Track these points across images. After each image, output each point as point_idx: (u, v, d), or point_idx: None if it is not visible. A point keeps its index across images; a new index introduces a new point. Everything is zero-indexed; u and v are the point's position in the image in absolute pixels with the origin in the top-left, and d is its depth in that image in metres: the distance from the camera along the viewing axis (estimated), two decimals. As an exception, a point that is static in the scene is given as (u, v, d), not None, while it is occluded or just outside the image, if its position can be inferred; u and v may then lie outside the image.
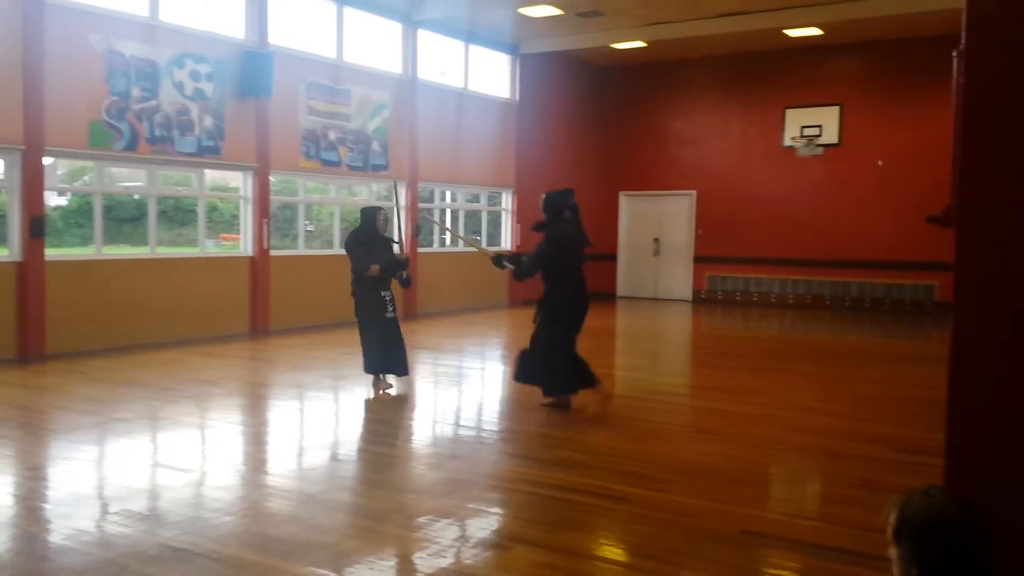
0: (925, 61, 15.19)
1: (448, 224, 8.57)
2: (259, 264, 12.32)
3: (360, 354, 8.15)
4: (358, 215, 8.31)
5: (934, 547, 2.04)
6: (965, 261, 2.38)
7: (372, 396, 7.93)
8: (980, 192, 2.35)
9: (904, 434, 6.62)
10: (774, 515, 4.85)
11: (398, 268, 8.06)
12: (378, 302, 7.89)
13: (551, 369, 7.30)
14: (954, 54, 2.55)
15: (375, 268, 7.82)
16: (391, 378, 8.15)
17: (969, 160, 2.36)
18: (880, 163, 16.42)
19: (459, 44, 16.04)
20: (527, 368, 7.46)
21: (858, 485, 5.34)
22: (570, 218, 7.36)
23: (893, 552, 2.13)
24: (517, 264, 7.59)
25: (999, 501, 2.22)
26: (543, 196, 7.60)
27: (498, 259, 7.84)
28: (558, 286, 7.34)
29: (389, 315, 7.94)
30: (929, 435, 6.06)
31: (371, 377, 8.07)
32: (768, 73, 17.40)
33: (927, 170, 15.20)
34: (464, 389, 8.77)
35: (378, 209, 8.15)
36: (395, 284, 8.17)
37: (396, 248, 8.23)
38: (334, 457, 6.06)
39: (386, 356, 7.93)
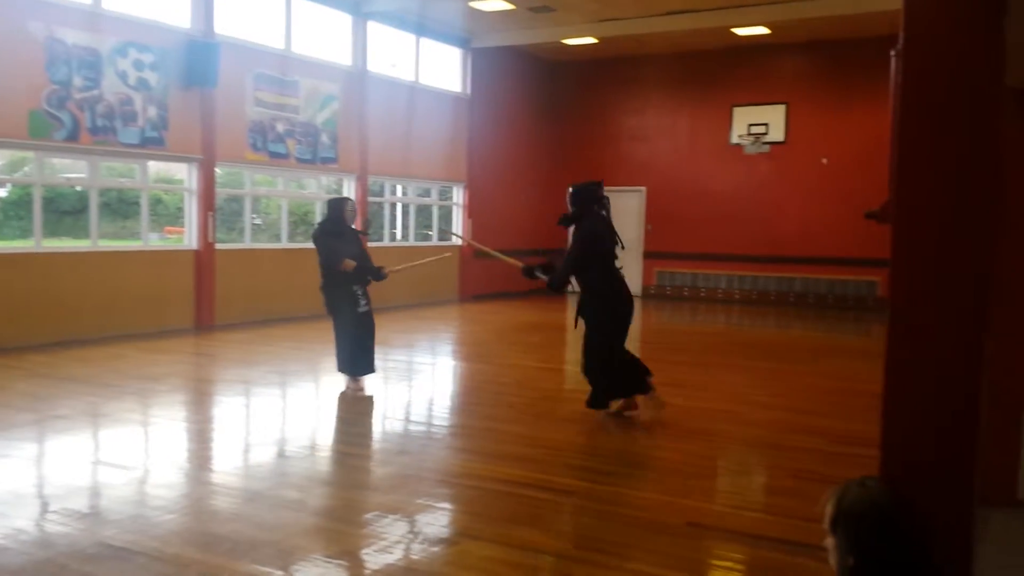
0: (869, 61, 15.48)
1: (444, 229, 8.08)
2: (204, 258, 12.12)
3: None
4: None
5: (869, 536, 2.10)
6: (900, 256, 2.43)
7: (346, 391, 7.77)
8: (915, 189, 2.40)
9: (845, 427, 6.76)
10: (719, 507, 4.92)
11: (376, 278, 7.83)
12: (350, 296, 7.65)
13: (611, 381, 6.70)
14: (892, 53, 2.60)
15: (351, 263, 7.56)
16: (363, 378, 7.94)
17: (904, 157, 2.41)
18: (825, 161, 16.72)
19: (410, 37, 15.95)
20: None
21: (800, 477, 5.44)
22: (599, 212, 6.75)
23: (830, 542, 2.18)
24: (550, 273, 6.90)
25: (931, 491, 2.28)
26: (570, 188, 6.96)
27: (529, 270, 7.05)
28: (595, 287, 6.74)
29: (362, 309, 7.71)
30: (869, 427, 6.15)
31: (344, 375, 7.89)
32: (716, 71, 17.61)
33: (870, 168, 15.51)
34: (414, 384, 8.74)
35: (346, 200, 7.96)
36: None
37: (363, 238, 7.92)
38: (280, 454, 6.00)
39: (351, 357, 7.73)
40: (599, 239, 6.69)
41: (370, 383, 8.03)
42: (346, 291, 7.64)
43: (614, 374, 6.73)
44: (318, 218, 14.28)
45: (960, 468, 2.34)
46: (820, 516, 2.21)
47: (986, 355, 2.35)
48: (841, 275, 16.69)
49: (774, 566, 4.02)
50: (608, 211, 6.89)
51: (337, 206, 7.80)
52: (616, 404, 6.90)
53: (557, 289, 6.91)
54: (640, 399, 6.89)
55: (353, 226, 7.87)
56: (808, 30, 15.67)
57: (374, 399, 7.75)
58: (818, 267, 16.89)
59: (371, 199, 15.25)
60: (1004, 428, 5.00)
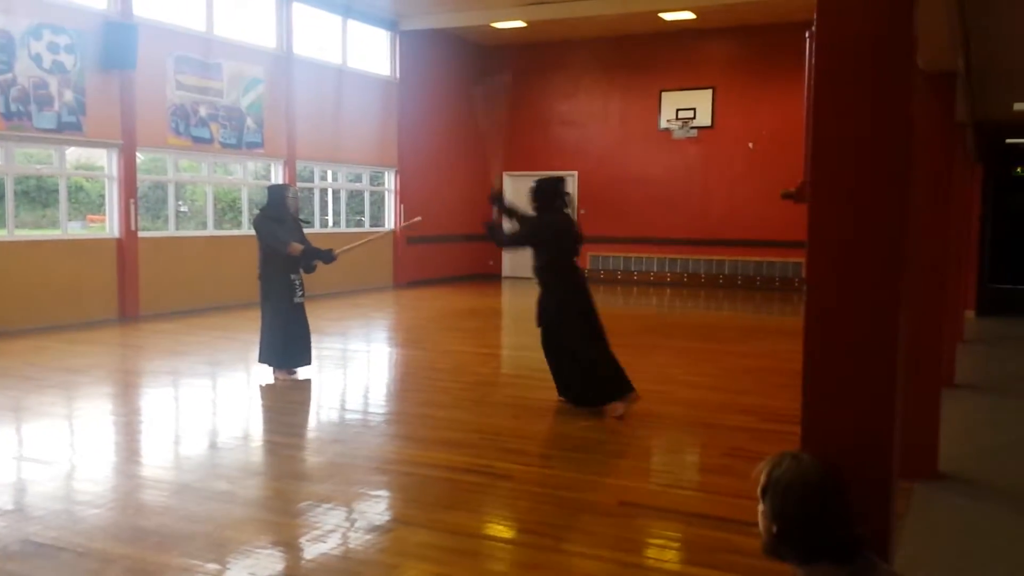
0: (792, 45, 15.64)
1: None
2: (127, 246, 11.79)
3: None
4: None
5: (793, 504, 2.18)
6: (815, 236, 2.48)
7: (275, 383, 7.65)
8: (827, 169, 2.46)
9: (773, 404, 6.92)
10: (651, 486, 4.99)
11: (324, 260, 7.78)
12: (287, 285, 7.57)
13: (601, 376, 6.47)
14: (807, 35, 2.65)
15: (298, 247, 7.48)
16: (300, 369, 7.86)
17: (817, 137, 2.47)
18: (751, 145, 17.03)
19: (336, 19, 15.71)
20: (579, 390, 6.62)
21: (730, 455, 5.55)
22: (560, 208, 6.78)
23: (760, 508, 2.25)
24: (498, 231, 6.98)
25: (851, 466, 2.35)
26: (533, 184, 6.95)
27: (499, 203, 7.17)
28: (558, 277, 6.63)
29: (297, 300, 7.65)
30: (796, 405, 6.32)
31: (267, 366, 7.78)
32: (645, 56, 17.77)
33: (794, 151, 15.82)
34: (348, 372, 8.66)
35: (287, 187, 7.89)
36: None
37: (306, 227, 7.95)
38: (210, 445, 5.89)
39: (284, 348, 7.61)
40: (561, 233, 6.69)
41: (303, 373, 7.92)
42: (284, 280, 7.56)
43: (604, 371, 6.47)
44: (245, 205, 14.01)
45: (879, 443, 2.41)
46: (755, 487, 2.26)
47: (902, 331, 2.42)
48: (768, 257, 17.06)
49: (708, 544, 4.10)
50: (570, 208, 6.98)
51: (278, 193, 7.72)
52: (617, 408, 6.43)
53: (499, 241, 6.97)
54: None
55: (295, 214, 7.80)
56: (734, 15, 15.90)
57: (308, 388, 7.65)
58: (746, 249, 17.23)
59: (300, 184, 15.01)
60: (925, 403, 5.18)
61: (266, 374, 7.83)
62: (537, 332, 6.83)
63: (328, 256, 7.82)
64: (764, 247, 17.03)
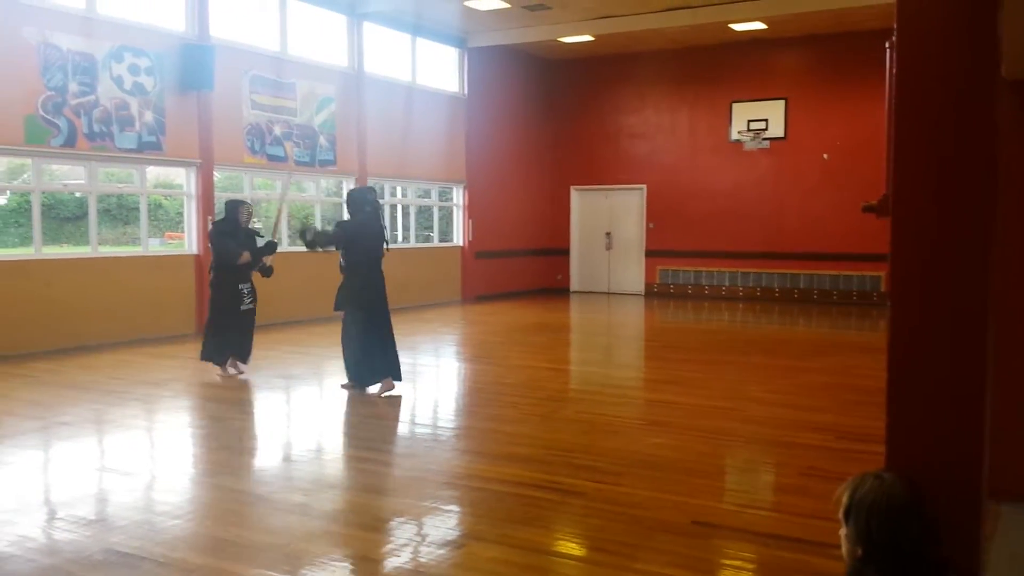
0: (866, 53, 15.46)
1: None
2: (204, 262, 12.09)
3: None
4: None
5: (878, 527, 2.11)
6: (898, 249, 2.42)
7: (221, 376, 8.54)
8: (911, 181, 2.39)
9: (851, 422, 6.75)
10: (725, 505, 4.90)
11: (268, 251, 8.67)
12: (235, 294, 8.49)
13: (365, 355, 7.69)
14: (887, 45, 2.59)
15: (246, 255, 8.42)
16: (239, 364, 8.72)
17: (900, 150, 2.41)
18: (825, 156, 16.70)
19: (406, 37, 15.94)
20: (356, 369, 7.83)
21: (807, 474, 5.42)
22: (370, 212, 7.82)
23: (842, 531, 2.19)
24: (318, 235, 8.00)
25: (938, 486, 2.27)
26: (347, 193, 8.10)
27: (308, 232, 8.10)
28: (353, 271, 7.74)
29: (245, 307, 8.57)
30: (875, 423, 6.15)
31: (211, 364, 8.69)
32: (715, 67, 17.59)
33: (870, 161, 15.47)
34: (418, 386, 8.73)
35: (242, 203, 8.72)
36: (256, 277, 8.82)
37: (260, 241, 8.74)
38: (286, 458, 5.99)
39: (225, 346, 8.50)
40: (361, 231, 7.71)
41: (373, 388, 8.02)
42: (232, 289, 8.48)
43: (374, 353, 7.68)
44: (318, 221, 14.27)
45: (967, 462, 2.33)
46: (834, 506, 2.21)
47: (990, 346, 2.34)
48: (845, 270, 16.67)
49: (784, 565, 4.00)
50: (379, 212, 8.08)
51: (232, 208, 8.59)
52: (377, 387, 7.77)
53: (310, 246, 7.92)
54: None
55: (250, 226, 8.73)
56: (805, 24, 15.66)
57: (380, 402, 7.72)
58: (821, 263, 16.87)
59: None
60: (1017, 420, 4.99)
61: (338, 387, 7.95)
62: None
63: (270, 247, 8.73)
64: (840, 260, 16.65)
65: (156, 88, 11.43)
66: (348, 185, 14.71)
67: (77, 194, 14.81)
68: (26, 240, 12.93)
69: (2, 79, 9.76)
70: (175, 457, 5.99)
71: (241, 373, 8.64)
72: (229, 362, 8.61)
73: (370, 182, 15.05)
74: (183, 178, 12.39)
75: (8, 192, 17.11)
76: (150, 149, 11.41)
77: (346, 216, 8.18)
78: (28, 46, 10.00)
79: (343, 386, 7.96)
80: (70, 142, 10.45)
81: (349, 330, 7.80)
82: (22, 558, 3.98)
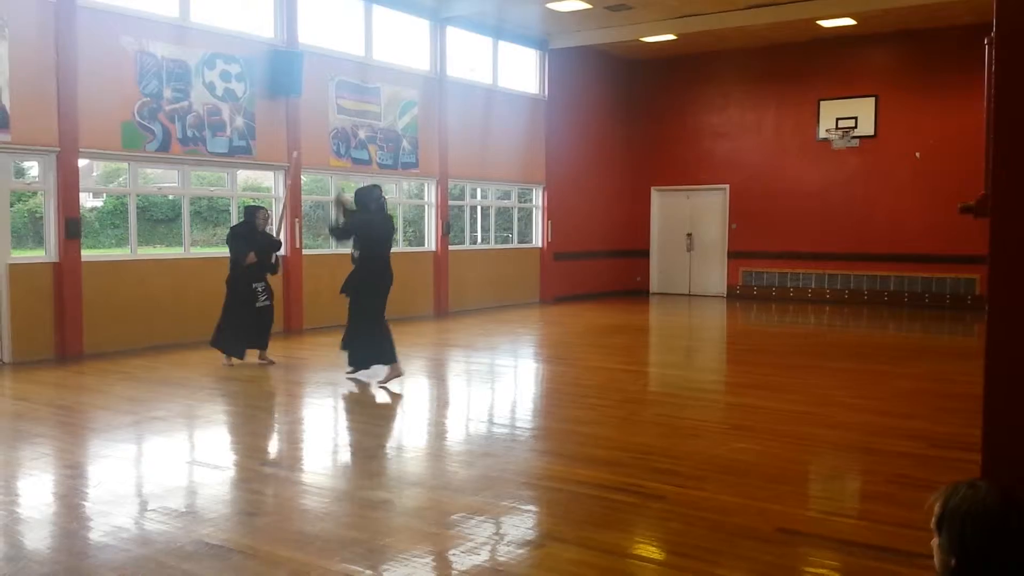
0: (960, 50, 14.94)
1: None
2: (292, 263, 12.39)
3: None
4: (394, 211, 8.79)
5: (972, 537, 2.03)
6: (998, 251, 2.33)
7: (225, 365, 9.17)
8: (1013, 180, 2.30)
9: (943, 430, 6.52)
10: (811, 512, 4.79)
11: (273, 249, 9.30)
12: (250, 293, 9.14)
13: (375, 340, 8.25)
14: (986, 41, 2.49)
15: (252, 255, 9.07)
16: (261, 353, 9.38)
17: (1001, 148, 2.32)
18: (918, 155, 16.17)
19: (487, 40, 16.03)
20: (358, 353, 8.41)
21: (896, 482, 5.26)
22: (376, 210, 8.36)
23: (935, 542, 2.12)
24: (338, 224, 8.59)
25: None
26: (355, 191, 8.66)
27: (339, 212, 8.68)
28: (363, 263, 8.29)
29: (260, 304, 9.22)
30: (968, 431, 5.94)
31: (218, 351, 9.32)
32: (801, 65, 17.20)
33: (965, 161, 14.93)
34: (496, 386, 8.77)
35: (259, 208, 9.45)
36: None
37: (277, 244, 9.48)
38: (368, 455, 6.08)
39: (234, 338, 9.15)
40: (368, 227, 8.27)
41: (453, 386, 8.09)
42: (247, 288, 9.15)
43: (377, 340, 8.22)
44: (400, 223, 14.48)
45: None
46: (927, 515, 2.14)
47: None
48: (937, 272, 16.11)
49: (870, 574, 3.89)
50: (384, 209, 8.53)
51: (250, 213, 9.35)
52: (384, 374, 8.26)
53: (333, 234, 8.80)
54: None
55: (266, 230, 9.40)
56: (896, 20, 15.19)
57: (459, 401, 7.79)
58: (912, 265, 16.33)
59: (452, 203, 15.37)
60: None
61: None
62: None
63: (275, 244, 9.42)
64: (933, 262, 16.09)
65: (246, 94, 11.75)
66: (429, 187, 14.90)
67: (171, 197, 15.35)
68: (122, 241, 13.48)
69: (101, 87, 10.17)
70: (263, 452, 6.14)
71: (271, 363, 9.33)
72: (259, 355, 9.35)
73: (451, 184, 15.22)
74: (271, 181, 12.71)
75: (105, 195, 17.85)
76: (240, 153, 11.74)
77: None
78: (126, 54, 10.40)
79: (349, 375, 8.53)
80: (164, 147, 10.83)
81: (354, 317, 8.44)
82: (117, 548, 4.13)
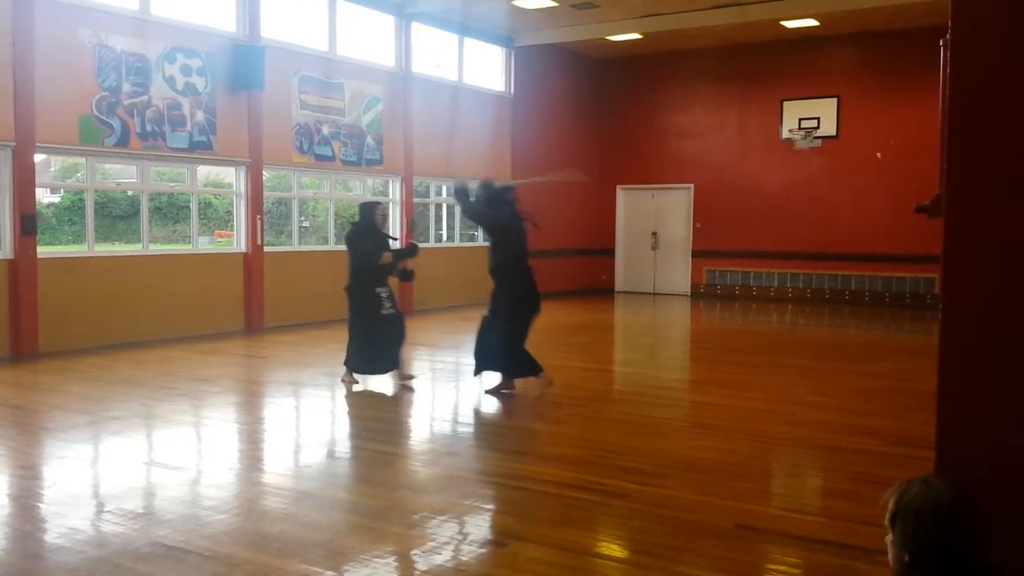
0: (920, 52, 15.13)
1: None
2: (253, 260, 12.26)
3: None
4: (355, 210, 8.38)
5: (924, 533, 2.06)
6: (951, 251, 2.35)
7: (344, 387, 8.05)
8: (966, 181, 2.33)
9: (901, 427, 6.60)
10: (771, 509, 4.82)
11: (409, 254, 8.33)
12: (374, 298, 7.89)
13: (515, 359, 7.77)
14: (941, 43, 2.52)
15: (387, 255, 7.96)
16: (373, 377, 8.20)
17: (953, 149, 2.34)
18: (879, 155, 16.37)
19: (453, 37, 15.97)
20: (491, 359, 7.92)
21: (856, 479, 5.31)
22: (510, 214, 8.21)
23: (889, 538, 2.14)
24: (467, 195, 8.08)
25: (988, 491, 2.20)
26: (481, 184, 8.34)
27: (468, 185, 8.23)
28: (508, 273, 8.31)
29: (386, 311, 7.94)
30: (927, 428, 5.98)
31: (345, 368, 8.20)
32: (765, 65, 17.35)
33: (924, 161, 15.12)
34: (461, 385, 8.74)
35: (376, 204, 8.32)
36: (393, 281, 8.24)
37: (394, 244, 8.33)
38: (329, 455, 6.03)
39: (360, 354, 7.95)
40: (507, 231, 8.08)
41: (417, 386, 8.05)
42: (369, 293, 7.89)
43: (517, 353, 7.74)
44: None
45: (1018, 467, 2.25)
46: (880, 511, 2.15)
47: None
48: (898, 272, 16.33)
49: (830, 570, 3.92)
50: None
51: (368, 209, 8.15)
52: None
53: (457, 195, 8.15)
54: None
55: (383, 230, 8.21)
56: (857, 21, 15.37)
57: (422, 401, 7.75)
58: (873, 264, 16.54)
59: (416, 200, 15.30)
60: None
61: (385, 384, 7.99)
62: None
63: (411, 249, 8.47)
64: (893, 262, 16.31)
65: (207, 88, 11.60)
66: (394, 184, 14.80)
67: (129, 192, 15.11)
68: (79, 238, 13.23)
69: (58, 80, 9.97)
70: (222, 453, 6.06)
71: (412, 379, 8.24)
72: (397, 374, 8.09)
73: (416, 181, 15.12)
74: (232, 177, 12.56)
75: (62, 190, 17.54)
76: (201, 148, 11.58)
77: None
78: (84, 47, 10.21)
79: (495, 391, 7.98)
80: (123, 142, 10.65)
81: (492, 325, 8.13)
82: (71, 550, 4.05)
